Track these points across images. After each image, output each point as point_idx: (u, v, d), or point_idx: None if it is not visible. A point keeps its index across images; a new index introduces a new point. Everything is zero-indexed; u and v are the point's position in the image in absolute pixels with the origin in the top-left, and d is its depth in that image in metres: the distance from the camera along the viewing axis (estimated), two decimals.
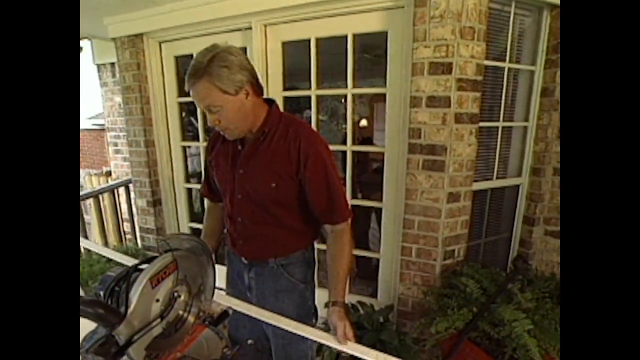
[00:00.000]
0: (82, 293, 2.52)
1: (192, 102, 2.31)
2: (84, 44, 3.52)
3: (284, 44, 2.10)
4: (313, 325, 1.22)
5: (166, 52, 2.48)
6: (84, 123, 7.64)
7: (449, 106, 1.63)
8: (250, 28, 2.08)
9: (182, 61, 2.50)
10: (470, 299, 1.54)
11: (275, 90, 2.15)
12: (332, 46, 2.02)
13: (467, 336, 1.50)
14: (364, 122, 6.78)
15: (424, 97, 1.67)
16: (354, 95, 2.06)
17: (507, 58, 1.90)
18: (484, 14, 1.62)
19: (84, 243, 1.43)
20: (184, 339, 0.87)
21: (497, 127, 1.99)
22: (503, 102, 1.94)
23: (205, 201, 1.37)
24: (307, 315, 1.28)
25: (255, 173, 1.11)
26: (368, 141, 5.94)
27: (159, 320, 0.78)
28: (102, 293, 0.77)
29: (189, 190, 2.77)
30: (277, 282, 1.21)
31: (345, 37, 1.91)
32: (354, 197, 2.18)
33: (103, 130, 4.02)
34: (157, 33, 2.37)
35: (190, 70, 1.00)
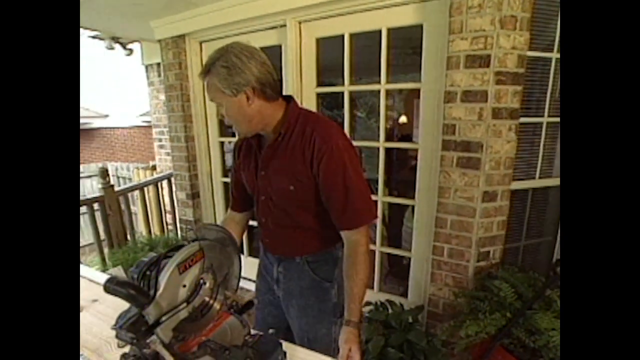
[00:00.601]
0: (124, 276, 2.72)
1: None
2: (135, 46, 3.76)
3: (318, 40, 2.11)
4: (335, 323, 1.22)
5: (206, 52, 2.59)
6: (135, 120, 8.17)
7: (486, 101, 1.55)
8: (284, 25, 2.11)
9: None
10: (504, 303, 1.47)
11: (309, 86, 2.17)
12: (369, 41, 2.01)
13: (500, 342, 1.43)
14: (403, 119, 6.63)
15: (459, 91, 1.60)
16: (388, 91, 2.03)
17: (555, 48, 1.77)
18: (529, 0, 1.53)
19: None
20: (209, 325, 0.92)
21: (542, 123, 1.87)
22: (549, 96, 1.82)
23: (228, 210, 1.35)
24: (331, 313, 1.24)
25: (274, 175, 1.09)
26: (408, 138, 5.82)
27: (185, 304, 0.83)
28: (135, 276, 0.83)
29: (226, 184, 2.88)
30: (303, 279, 1.19)
31: (379, 31, 1.88)
32: (388, 194, 2.14)
33: (150, 127, 4.27)
34: (197, 33, 2.47)
35: (204, 65, 1.03)
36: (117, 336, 0.76)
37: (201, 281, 0.87)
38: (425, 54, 1.77)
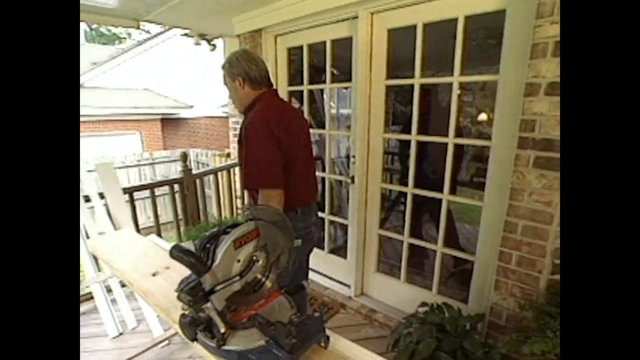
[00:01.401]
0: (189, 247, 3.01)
1: (302, 92, 2.44)
2: (218, 42, 4.05)
3: (389, 31, 2.06)
4: None
5: (280, 45, 2.69)
6: (215, 111, 8.85)
7: None
8: (356, 17, 2.10)
9: (293, 52, 2.68)
10: None
11: (378, 79, 2.13)
12: (442, 32, 1.91)
13: None
14: (483, 116, 6.16)
15: (543, 83, 1.45)
16: (463, 86, 1.91)
17: None
18: None
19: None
20: (260, 301, 0.97)
21: None
22: None
23: None
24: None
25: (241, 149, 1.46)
26: (488, 137, 5.41)
27: (238, 277, 0.89)
28: (196, 248, 0.91)
29: None
30: None
31: (455, 20, 1.77)
32: (451, 192, 2.03)
33: (227, 117, 4.59)
34: (272, 27, 2.58)
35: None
36: (178, 297, 0.84)
37: (254, 258, 0.92)
38: (506, 42, 1.63)
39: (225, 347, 0.84)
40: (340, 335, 1.03)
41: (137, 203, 2.89)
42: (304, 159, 1.55)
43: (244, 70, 1.49)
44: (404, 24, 1.98)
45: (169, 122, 10.27)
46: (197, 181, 3.25)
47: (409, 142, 2.11)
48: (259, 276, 0.96)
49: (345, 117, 5.96)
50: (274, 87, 1.61)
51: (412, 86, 2.02)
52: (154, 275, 1.39)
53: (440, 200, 2.05)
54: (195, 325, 0.84)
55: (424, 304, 1.90)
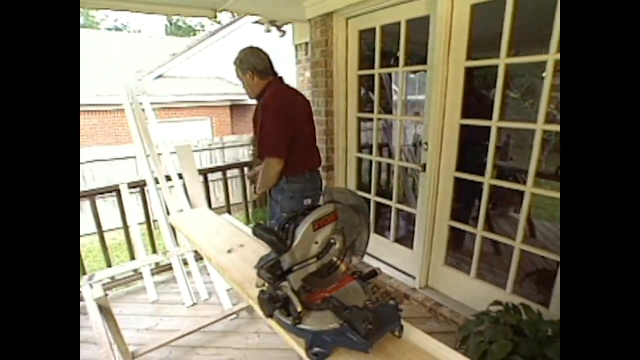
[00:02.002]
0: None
1: (372, 77, 2.43)
2: (287, 28, 4.10)
3: (473, 6, 1.89)
4: None
5: (351, 27, 2.63)
6: None
7: None
8: None
9: (365, 35, 2.61)
10: None
11: (458, 60, 1.99)
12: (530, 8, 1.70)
13: None
14: None
15: None
16: (556, 64, 1.68)
17: None
18: None
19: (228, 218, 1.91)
20: (334, 283, 0.97)
21: None
22: None
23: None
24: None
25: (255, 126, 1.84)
26: None
27: (315, 259, 0.89)
28: (276, 227, 0.92)
29: (359, 159, 2.95)
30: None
31: None
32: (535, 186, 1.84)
33: None
34: (344, 10, 2.53)
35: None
36: (258, 274, 0.87)
37: (332, 241, 0.92)
38: None
39: (301, 326, 0.85)
40: (413, 326, 0.99)
41: (209, 184, 3.08)
42: (307, 133, 1.94)
43: (251, 64, 1.83)
44: None
45: (237, 108, 10.77)
46: None
47: (485, 128, 1.95)
48: (334, 259, 0.96)
49: (412, 103, 5.72)
50: (279, 75, 1.94)
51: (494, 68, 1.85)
52: (229, 252, 1.47)
53: (518, 193, 1.88)
54: (273, 302, 0.87)
55: (497, 302, 1.77)
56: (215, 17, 3.03)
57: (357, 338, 0.80)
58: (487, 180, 2.02)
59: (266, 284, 0.89)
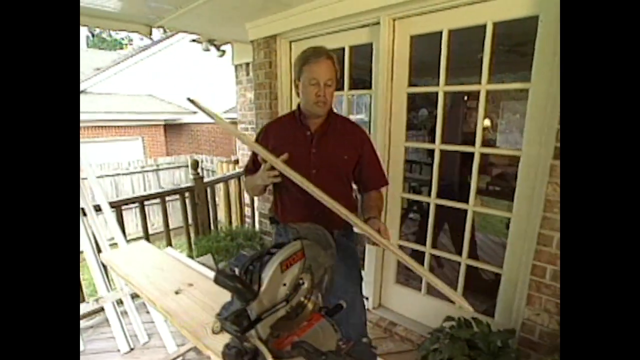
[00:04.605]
0: (213, 264, 2.93)
1: None
2: (226, 48, 4.01)
3: (412, 38, 2.01)
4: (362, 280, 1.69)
5: (295, 51, 2.64)
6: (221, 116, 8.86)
7: None
8: (377, 23, 2.05)
9: None
10: None
11: (400, 86, 2.08)
12: (465, 39, 1.86)
13: None
14: (487, 123, 6.18)
15: None
16: (485, 93, 1.84)
17: None
18: None
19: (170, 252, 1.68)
20: (302, 324, 0.91)
21: None
22: None
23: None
24: (359, 274, 1.66)
25: (328, 150, 1.43)
26: (491, 144, 5.36)
27: (284, 303, 0.82)
28: (237, 270, 0.84)
29: None
30: (344, 251, 1.49)
31: (484, 26, 1.72)
32: (466, 201, 1.97)
33: (235, 123, 4.53)
34: (288, 33, 2.53)
35: (318, 50, 1.41)
36: (222, 327, 0.77)
37: (300, 281, 0.86)
38: (539, 49, 1.57)
39: None
40: None
41: (144, 209, 2.82)
42: None
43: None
44: (428, 30, 1.93)
45: (172, 128, 10.21)
46: (208, 189, 3.19)
47: (427, 150, 2.05)
48: (302, 299, 0.90)
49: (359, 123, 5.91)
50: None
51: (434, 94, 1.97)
52: (177, 293, 1.33)
53: (457, 210, 2.00)
54: (241, 356, 0.78)
55: (449, 318, 1.83)
56: (150, 33, 2.85)
57: None
58: (433, 200, 2.11)
59: (227, 332, 0.80)
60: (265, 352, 0.77)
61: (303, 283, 0.87)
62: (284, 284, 0.82)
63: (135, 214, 5.71)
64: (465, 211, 1.98)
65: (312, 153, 1.42)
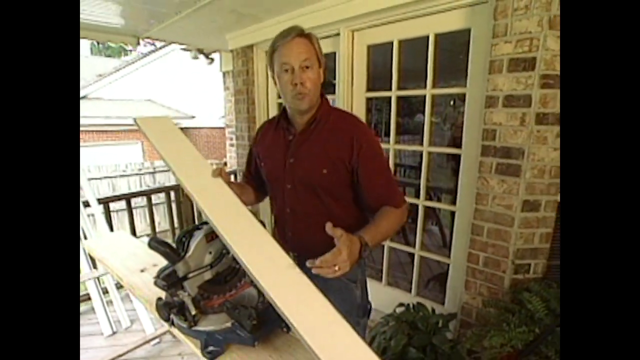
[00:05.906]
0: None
1: None
2: (215, 56, 4.23)
3: (369, 47, 2.21)
4: (358, 323, 1.23)
5: None
6: (217, 121, 9.06)
7: (529, 106, 1.50)
8: (338, 34, 2.25)
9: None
10: (534, 318, 1.40)
11: (359, 91, 2.27)
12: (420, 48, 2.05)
13: (526, 359, 1.37)
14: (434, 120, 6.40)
15: (500, 96, 1.57)
16: (433, 96, 2.03)
17: None
18: None
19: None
20: (232, 290, 1.08)
21: None
22: None
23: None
24: (355, 313, 1.23)
25: (305, 160, 1.13)
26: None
27: (209, 267, 1.01)
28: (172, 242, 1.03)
29: None
30: (327, 281, 0.92)
31: (427, 37, 1.92)
32: (416, 197, 2.15)
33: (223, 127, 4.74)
34: (263, 44, 2.74)
35: (290, 28, 1.07)
36: (154, 283, 0.96)
37: (224, 251, 1.04)
38: (471, 58, 1.76)
39: (195, 328, 0.95)
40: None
41: (136, 211, 3.02)
42: None
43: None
44: (382, 41, 2.12)
45: None
46: None
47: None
48: (234, 264, 1.08)
49: None
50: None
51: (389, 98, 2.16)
52: (142, 271, 1.51)
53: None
54: (169, 308, 0.96)
55: (401, 305, 2.00)
56: (138, 44, 3.07)
57: (244, 334, 0.92)
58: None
59: (157, 287, 0.96)
60: (190, 304, 0.95)
61: (228, 253, 1.05)
62: (210, 252, 1.01)
63: (137, 214, 5.93)
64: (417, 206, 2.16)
65: (287, 163, 1.16)
